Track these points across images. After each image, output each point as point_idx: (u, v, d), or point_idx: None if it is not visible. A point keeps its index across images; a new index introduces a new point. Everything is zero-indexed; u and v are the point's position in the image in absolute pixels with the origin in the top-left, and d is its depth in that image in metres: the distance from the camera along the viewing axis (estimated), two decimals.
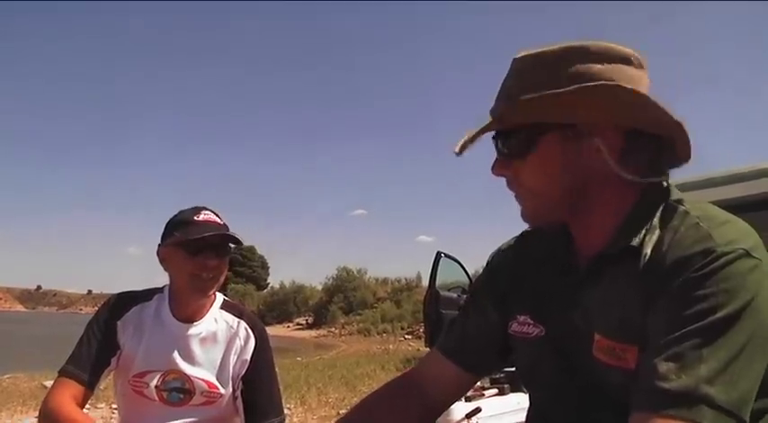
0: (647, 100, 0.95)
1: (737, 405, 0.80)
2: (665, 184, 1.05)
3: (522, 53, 1.04)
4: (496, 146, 1.06)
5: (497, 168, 1.07)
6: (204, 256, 1.86)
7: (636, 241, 0.97)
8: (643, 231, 0.98)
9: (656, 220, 0.99)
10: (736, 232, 0.91)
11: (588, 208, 1.04)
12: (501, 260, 1.27)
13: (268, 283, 58.59)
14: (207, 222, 1.90)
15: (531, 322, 1.13)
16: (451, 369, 1.27)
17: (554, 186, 1.02)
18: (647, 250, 0.96)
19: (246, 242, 1.93)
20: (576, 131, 0.99)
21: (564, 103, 0.96)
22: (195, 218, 1.90)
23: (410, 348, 22.55)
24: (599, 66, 0.98)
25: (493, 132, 1.06)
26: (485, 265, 1.31)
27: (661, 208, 1.00)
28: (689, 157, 1.03)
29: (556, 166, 1.01)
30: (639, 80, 1.00)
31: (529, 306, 1.14)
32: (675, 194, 1.03)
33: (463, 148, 1.03)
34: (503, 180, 1.08)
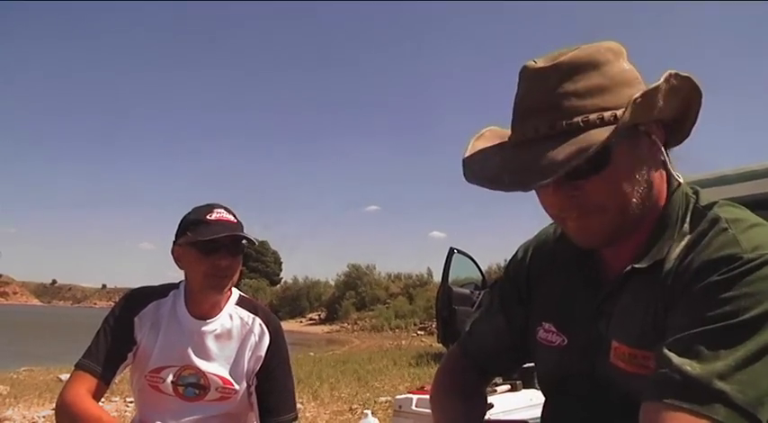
0: (694, 83, 0.95)
1: (753, 405, 0.78)
2: (690, 187, 1.04)
3: (552, 61, 0.94)
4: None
5: (567, 190, 0.94)
6: (217, 256, 1.87)
7: (665, 251, 0.96)
8: (672, 240, 0.97)
9: (685, 227, 0.98)
10: (765, 236, 0.90)
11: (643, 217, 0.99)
12: (527, 261, 1.25)
13: (281, 278, 58.73)
14: (219, 221, 1.90)
15: (555, 331, 1.12)
16: (471, 369, 1.30)
17: (629, 197, 0.96)
18: (673, 257, 0.95)
19: (259, 238, 1.93)
20: (638, 132, 0.95)
21: (653, 102, 0.91)
22: (208, 217, 1.90)
23: (423, 344, 22.52)
24: (627, 63, 0.97)
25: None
26: (509, 261, 1.30)
27: (689, 213, 0.99)
28: (689, 134, 1.03)
29: (630, 174, 0.95)
30: None
31: (553, 314, 1.14)
32: (705, 198, 1.01)
33: (550, 177, 0.88)
34: None
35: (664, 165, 1.01)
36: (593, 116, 0.90)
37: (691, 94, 0.98)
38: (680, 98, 0.97)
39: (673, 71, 0.91)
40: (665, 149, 1.00)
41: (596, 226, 0.97)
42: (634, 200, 0.96)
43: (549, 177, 0.88)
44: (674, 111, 0.99)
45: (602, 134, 0.88)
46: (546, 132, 0.91)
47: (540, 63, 0.95)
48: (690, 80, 0.95)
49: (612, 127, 0.88)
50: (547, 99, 0.92)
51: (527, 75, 0.96)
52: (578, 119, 0.90)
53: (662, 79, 0.91)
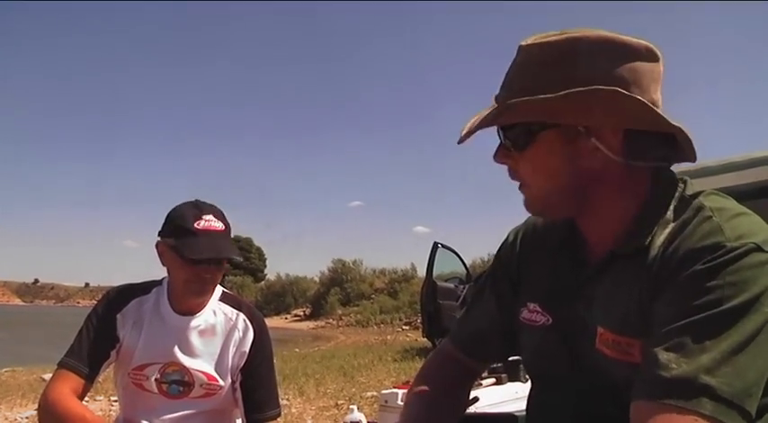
0: (644, 107, 0.93)
1: (740, 396, 0.79)
2: (678, 178, 1.04)
3: (529, 41, 1.00)
4: (499, 134, 1.05)
5: (499, 157, 1.06)
6: (200, 268, 1.85)
7: (647, 238, 0.96)
8: (655, 227, 0.97)
9: (669, 214, 0.98)
10: (749, 226, 0.90)
11: (594, 207, 1.03)
12: (517, 244, 1.26)
13: (265, 275, 58.49)
14: (207, 232, 1.85)
15: (540, 310, 1.13)
16: (464, 359, 1.31)
17: (551, 183, 1.02)
18: (658, 244, 0.95)
19: (244, 234, 1.91)
20: (575, 131, 0.97)
21: (555, 108, 0.94)
22: (196, 226, 1.84)
23: (408, 339, 22.56)
24: (608, 65, 0.95)
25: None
26: (500, 245, 1.30)
27: (675, 201, 0.99)
28: (694, 158, 1.02)
29: (553, 163, 1.00)
30: (651, 74, 0.97)
31: (539, 295, 1.14)
32: (691, 187, 1.02)
33: (463, 139, 1.01)
34: (500, 168, 1.08)
35: (613, 170, 0.99)
36: (535, 99, 0.94)
37: (655, 118, 0.95)
38: (631, 118, 0.95)
39: (610, 88, 0.91)
40: (631, 159, 0.98)
41: (527, 197, 1.06)
42: (552, 189, 1.03)
43: (466, 133, 1.00)
44: (645, 127, 0.97)
45: (529, 116, 0.97)
46: (499, 104, 1.00)
47: (529, 41, 1.01)
48: (641, 103, 0.93)
49: (543, 114, 0.96)
50: (513, 75, 1.02)
51: (518, 50, 1.02)
52: (524, 99, 0.95)
53: (588, 88, 0.92)
